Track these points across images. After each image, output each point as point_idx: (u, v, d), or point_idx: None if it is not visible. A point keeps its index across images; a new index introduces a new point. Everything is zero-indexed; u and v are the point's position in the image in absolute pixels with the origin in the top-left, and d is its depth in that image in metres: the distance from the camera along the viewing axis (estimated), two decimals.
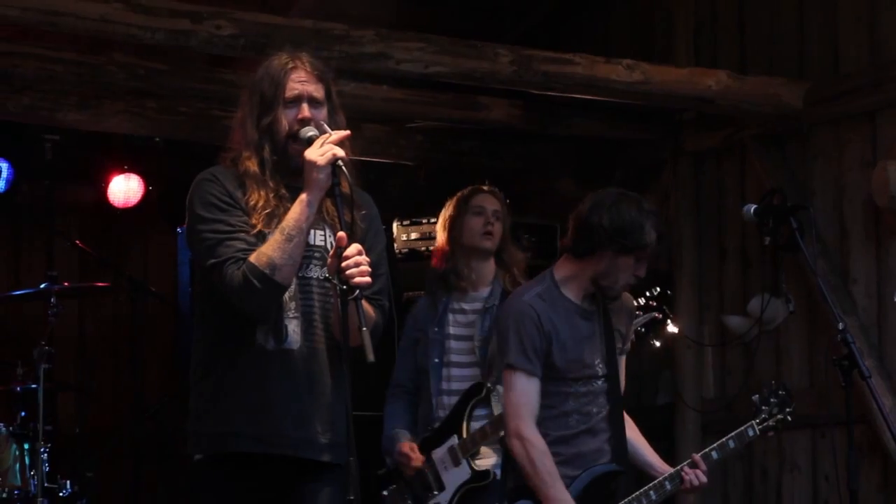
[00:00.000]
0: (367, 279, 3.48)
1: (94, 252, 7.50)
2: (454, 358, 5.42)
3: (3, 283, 7.85)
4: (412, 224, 7.27)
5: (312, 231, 3.76)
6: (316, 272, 3.78)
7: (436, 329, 5.43)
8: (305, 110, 3.77)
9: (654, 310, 5.11)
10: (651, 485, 4.63)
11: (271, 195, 3.74)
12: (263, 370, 3.71)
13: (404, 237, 7.22)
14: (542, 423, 4.43)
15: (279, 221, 3.69)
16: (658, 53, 7.06)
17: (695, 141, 7.19)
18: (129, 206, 7.91)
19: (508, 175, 7.88)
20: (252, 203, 3.74)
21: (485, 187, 5.64)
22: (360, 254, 3.49)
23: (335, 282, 3.48)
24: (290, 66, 3.81)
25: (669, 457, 6.72)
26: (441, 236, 5.58)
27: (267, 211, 3.72)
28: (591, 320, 4.53)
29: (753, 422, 4.83)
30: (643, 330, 5.12)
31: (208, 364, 3.78)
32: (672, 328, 5.16)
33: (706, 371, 7.04)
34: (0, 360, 7.14)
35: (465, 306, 5.47)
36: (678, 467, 4.69)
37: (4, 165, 7.39)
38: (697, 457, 4.71)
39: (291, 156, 3.76)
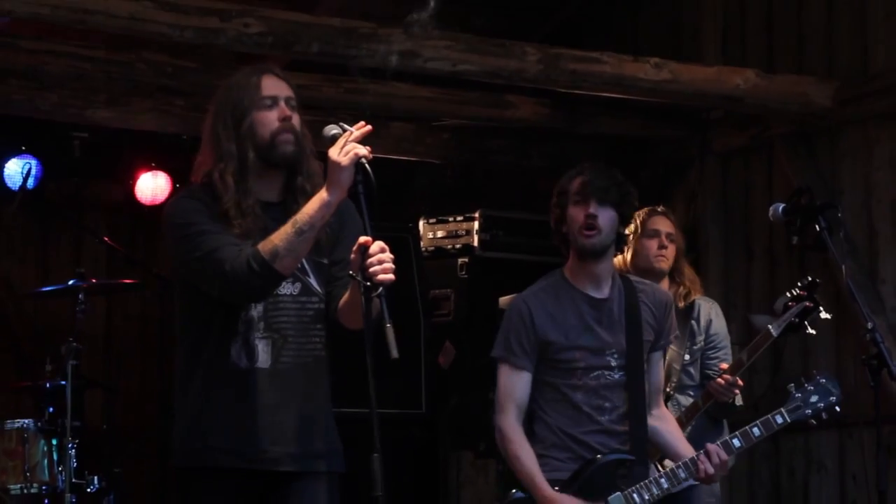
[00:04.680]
0: (391, 276, 3.49)
1: (122, 249, 7.53)
2: None
3: (31, 280, 7.88)
4: (439, 222, 7.27)
5: None
6: (287, 289, 3.81)
7: None
8: (285, 108, 3.81)
9: (804, 299, 5.02)
10: (664, 472, 4.53)
11: (245, 205, 3.76)
12: (236, 388, 3.77)
13: (431, 235, 7.22)
14: (555, 418, 4.41)
15: (256, 235, 3.70)
16: (686, 52, 7.05)
17: (722, 140, 7.17)
18: (157, 203, 7.92)
19: (535, 173, 7.89)
20: (225, 209, 3.75)
21: (659, 209, 5.65)
22: (383, 251, 3.50)
23: (358, 279, 3.49)
24: (261, 72, 3.87)
25: None
26: (617, 256, 5.46)
27: (237, 215, 3.75)
28: (600, 310, 4.46)
29: (783, 408, 4.52)
30: (797, 320, 5.03)
31: (186, 382, 3.85)
32: (825, 315, 5.03)
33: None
34: (29, 356, 7.19)
35: None
36: (693, 455, 4.49)
37: (33, 163, 7.42)
38: (712, 447, 4.48)
39: (277, 149, 3.78)
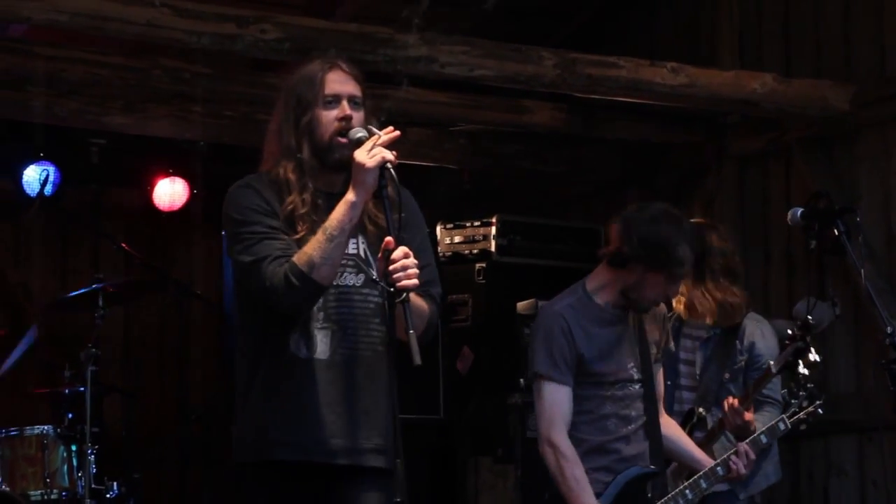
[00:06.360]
0: (415, 282, 3.49)
1: (139, 255, 7.55)
2: (683, 381, 5.45)
3: (50, 286, 7.91)
4: (456, 227, 7.27)
5: None
6: (350, 279, 3.77)
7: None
8: (346, 108, 3.75)
9: (797, 339, 4.98)
10: (701, 473, 4.68)
11: (308, 200, 3.73)
12: (297, 379, 3.73)
13: (448, 240, 7.22)
14: (581, 429, 4.46)
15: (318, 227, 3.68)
16: (703, 56, 7.04)
17: (739, 144, 7.16)
18: (175, 209, 7.95)
19: (552, 178, 7.89)
20: (290, 209, 3.73)
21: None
22: (406, 257, 3.50)
23: (383, 284, 3.49)
24: (328, 66, 3.81)
25: None
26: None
27: (304, 212, 3.71)
28: (623, 324, 4.55)
29: (784, 416, 4.97)
30: (792, 359, 5.02)
31: (248, 374, 3.81)
32: (814, 356, 4.98)
33: None
34: (47, 362, 7.20)
35: (693, 332, 5.47)
36: (725, 456, 4.76)
37: (51, 169, 7.44)
38: (742, 447, 4.78)
39: (334, 153, 3.74)
